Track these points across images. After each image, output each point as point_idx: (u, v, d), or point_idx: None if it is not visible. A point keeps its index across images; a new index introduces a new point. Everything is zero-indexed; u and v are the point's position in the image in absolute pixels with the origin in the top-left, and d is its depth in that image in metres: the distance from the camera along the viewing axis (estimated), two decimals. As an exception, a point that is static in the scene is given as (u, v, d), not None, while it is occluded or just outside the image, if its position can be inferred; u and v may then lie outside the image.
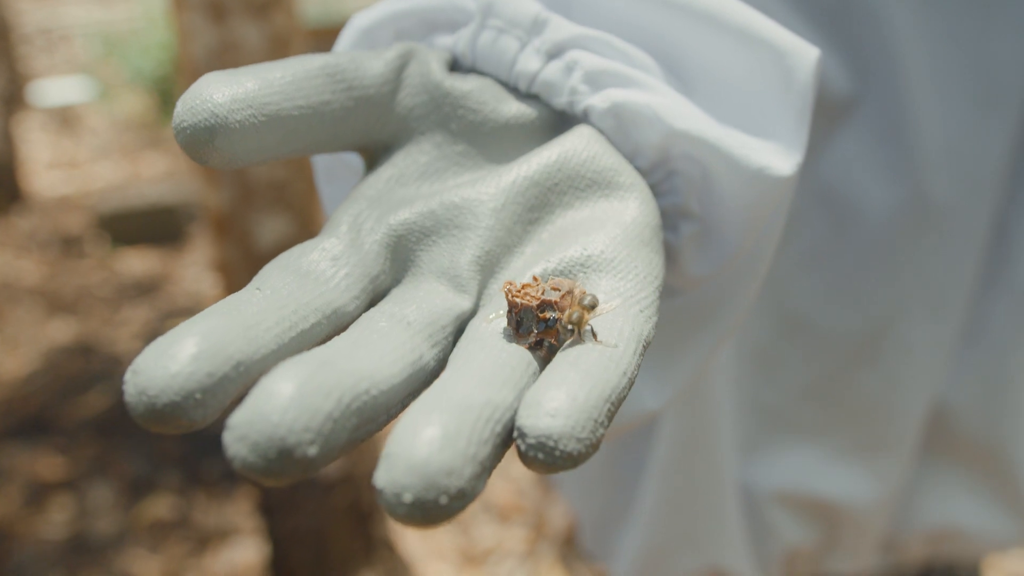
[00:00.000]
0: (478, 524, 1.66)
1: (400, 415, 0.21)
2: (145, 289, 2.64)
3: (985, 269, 0.55)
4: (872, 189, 0.50)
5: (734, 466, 0.58)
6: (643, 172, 0.30)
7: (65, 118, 4.04)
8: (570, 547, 1.60)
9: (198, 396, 0.19)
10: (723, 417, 0.56)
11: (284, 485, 0.18)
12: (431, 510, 0.18)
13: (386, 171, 0.29)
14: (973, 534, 0.60)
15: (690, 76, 0.31)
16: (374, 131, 0.29)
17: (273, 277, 0.24)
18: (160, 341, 0.20)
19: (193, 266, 2.76)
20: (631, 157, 0.30)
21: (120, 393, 2.13)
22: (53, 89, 4.27)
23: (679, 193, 0.30)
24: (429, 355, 0.23)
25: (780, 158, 0.29)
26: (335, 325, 0.23)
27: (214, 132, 0.24)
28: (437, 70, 0.29)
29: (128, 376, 0.20)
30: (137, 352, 2.30)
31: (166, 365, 0.19)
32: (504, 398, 0.20)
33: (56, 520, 1.75)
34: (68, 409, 2.08)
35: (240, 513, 1.74)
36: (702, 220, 0.31)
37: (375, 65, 0.28)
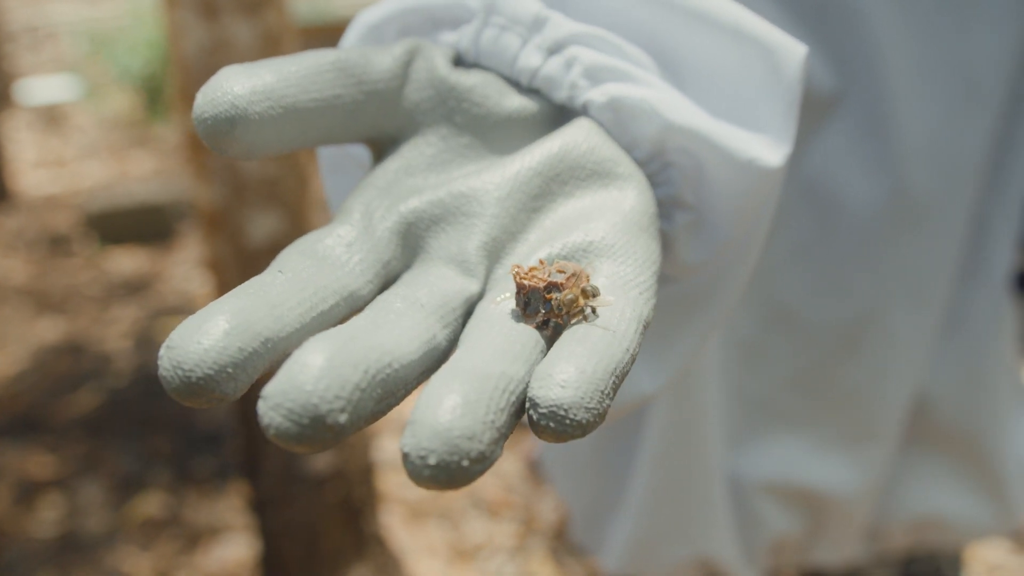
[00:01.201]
0: (468, 519, 1.67)
1: (415, 391, 0.23)
2: (134, 288, 2.64)
3: (964, 261, 0.56)
4: (855, 184, 0.52)
5: (722, 457, 0.59)
6: (640, 163, 0.31)
7: (52, 117, 4.02)
8: (560, 541, 1.61)
9: (230, 370, 0.21)
10: (711, 409, 0.58)
11: (315, 452, 0.20)
12: (454, 472, 0.19)
13: (394, 162, 0.30)
14: (954, 523, 0.62)
15: (683, 71, 0.32)
16: (382, 124, 0.30)
17: (293, 261, 0.25)
18: (192, 319, 0.21)
19: (182, 265, 2.76)
20: (628, 149, 0.31)
21: (109, 391, 2.13)
22: (39, 87, 4.25)
23: (674, 184, 0.32)
24: (441, 335, 0.24)
25: (769, 150, 0.30)
26: (351, 307, 0.25)
27: (234, 123, 0.25)
28: (442, 65, 0.31)
29: (163, 351, 0.21)
30: (127, 351, 2.30)
31: (200, 340, 0.21)
32: (517, 371, 0.22)
33: (46, 518, 1.75)
34: (58, 408, 2.08)
35: (231, 510, 1.74)
36: (696, 209, 0.32)
37: (383, 60, 0.30)
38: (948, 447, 0.61)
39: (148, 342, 2.33)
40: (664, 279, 0.34)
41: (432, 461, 0.19)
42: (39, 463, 1.90)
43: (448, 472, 0.19)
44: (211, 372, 0.20)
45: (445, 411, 0.20)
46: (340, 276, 0.25)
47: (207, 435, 1.97)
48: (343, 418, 0.20)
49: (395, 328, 0.23)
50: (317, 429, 0.19)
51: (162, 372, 0.21)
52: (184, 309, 2.49)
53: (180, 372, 0.20)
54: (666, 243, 0.33)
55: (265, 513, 1.42)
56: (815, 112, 0.50)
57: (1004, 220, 0.55)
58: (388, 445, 1.83)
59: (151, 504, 1.78)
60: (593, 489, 0.66)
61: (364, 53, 0.29)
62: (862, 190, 0.52)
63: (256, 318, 0.22)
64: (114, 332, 2.40)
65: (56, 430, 2.00)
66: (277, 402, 0.19)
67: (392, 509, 1.64)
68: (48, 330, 2.43)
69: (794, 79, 0.30)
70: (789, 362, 0.58)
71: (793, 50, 0.30)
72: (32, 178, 3.41)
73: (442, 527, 1.64)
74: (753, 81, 0.31)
